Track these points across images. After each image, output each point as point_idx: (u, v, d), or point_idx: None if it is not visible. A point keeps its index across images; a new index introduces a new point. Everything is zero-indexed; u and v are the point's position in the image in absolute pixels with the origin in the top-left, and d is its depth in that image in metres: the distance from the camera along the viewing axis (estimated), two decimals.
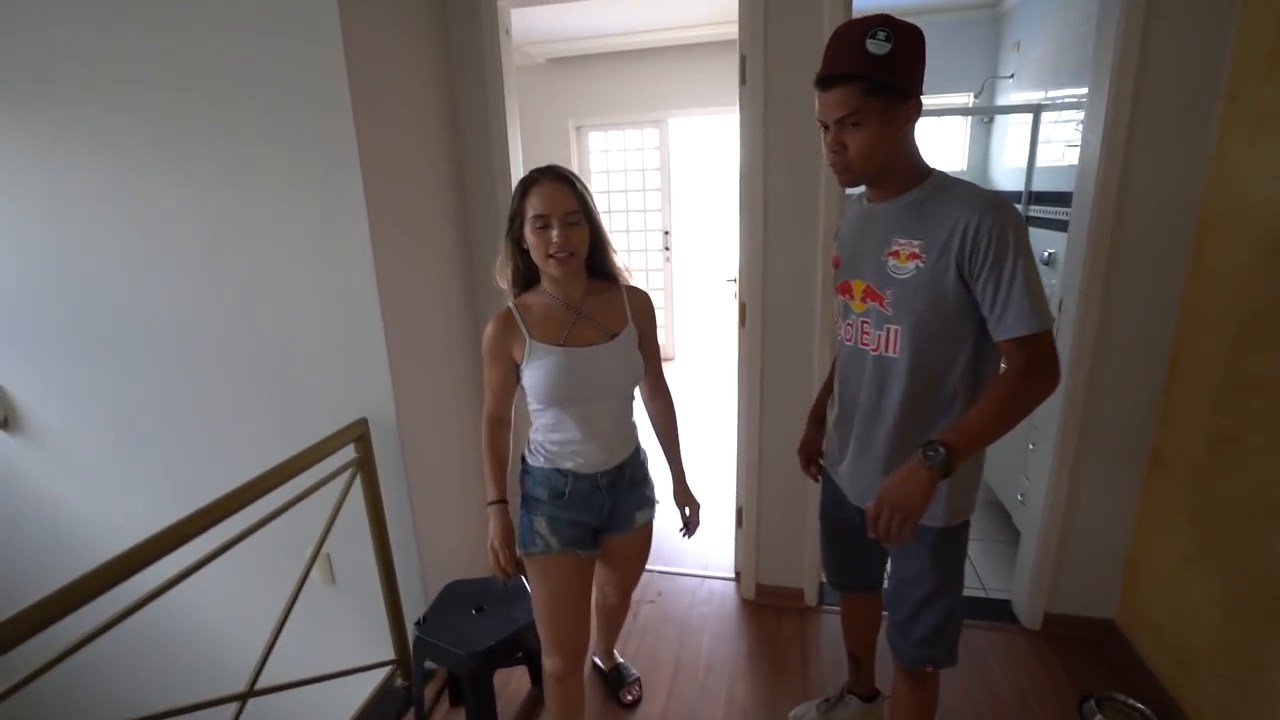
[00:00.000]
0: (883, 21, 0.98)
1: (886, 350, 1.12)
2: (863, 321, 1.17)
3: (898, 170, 1.09)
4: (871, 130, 1.02)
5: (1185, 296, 1.67)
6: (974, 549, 2.45)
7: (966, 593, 1.28)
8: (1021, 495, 2.22)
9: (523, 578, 1.47)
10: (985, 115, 3.44)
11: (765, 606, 2.21)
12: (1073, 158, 2.56)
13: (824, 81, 1.02)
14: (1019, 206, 2.85)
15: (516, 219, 1.24)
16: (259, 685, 1.39)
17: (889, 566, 1.33)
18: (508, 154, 2.03)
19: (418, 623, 1.65)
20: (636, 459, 1.44)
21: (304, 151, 1.59)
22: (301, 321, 1.73)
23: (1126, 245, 1.68)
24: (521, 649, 1.68)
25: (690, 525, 1.52)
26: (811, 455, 1.45)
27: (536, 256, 1.23)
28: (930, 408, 1.12)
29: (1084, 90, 2.47)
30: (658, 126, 4.56)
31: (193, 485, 1.55)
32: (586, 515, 1.36)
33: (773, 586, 2.23)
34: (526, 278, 1.32)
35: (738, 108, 1.84)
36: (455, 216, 2.08)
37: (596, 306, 1.31)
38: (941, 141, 3.70)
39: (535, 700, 1.85)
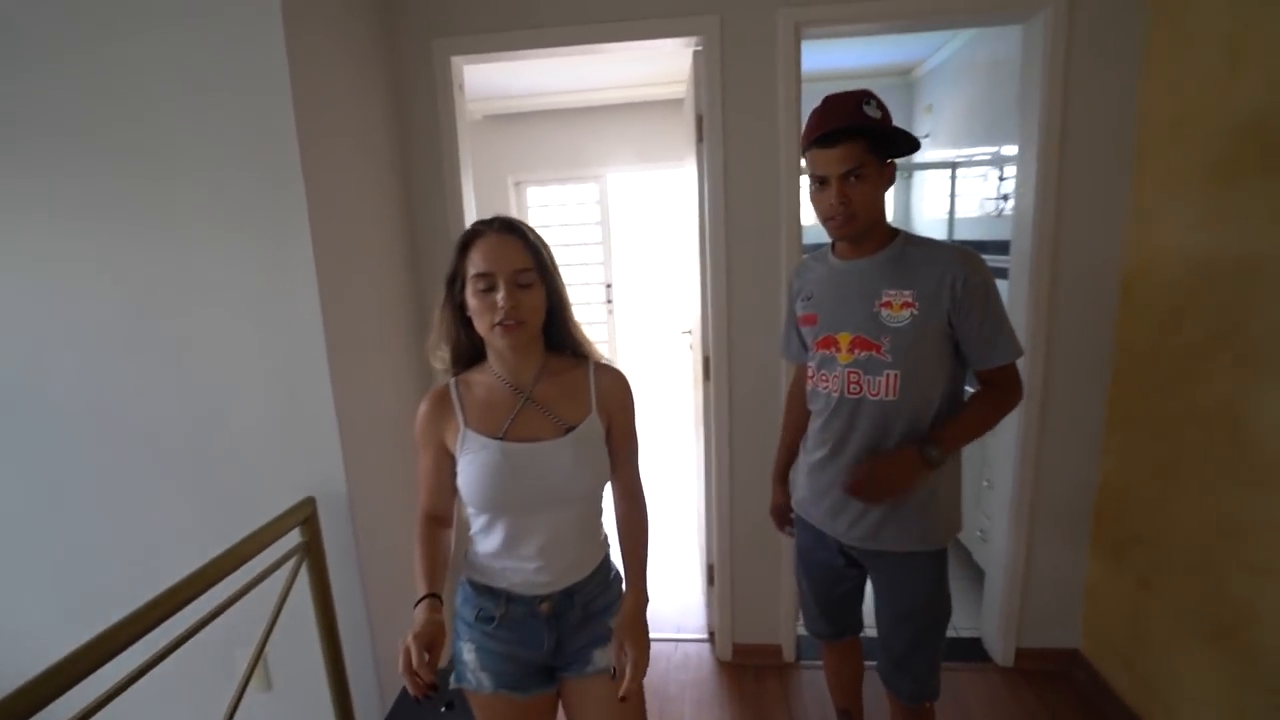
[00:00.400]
0: (869, 93, 1.11)
1: (886, 394, 1.18)
2: (849, 372, 1.21)
3: (877, 227, 1.19)
4: (871, 184, 1.12)
5: (1119, 336, 1.80)
6: None
7: None
8: (981, 531, 2.28)
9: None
10: (905, 171, 3.71)
11: (744, 667, 2.13)
12: (991, 208, 2.78)
13: (830, 137, 1.10)
14: None
15: (457, 280, 1.03)
16: None
17: (875, 607, 1.35)
18: (462, 210, 1.97)
19: None
20: (597, 581, 1.12)
21: (247, 205, 1.47)
22: (239, 391, 1.56)
23: (1064, 291, 1.81)
24: None
25: (622, 672, 1.01)
26: (785, 516, 1.50)
27: (480, 326, 1.01)
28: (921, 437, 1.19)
29: (995, 148, 2.74)
30: (597, 182, 4.64)
31: (103, 591, 1.34)
32: (525, 649, 1.07)
33: (749, 645, 2.15)
34: (471, 354, 1.09)
35: (686, 163, 1.88)
36: (408, 272, 1.98)
37: (552, 390, 1.07)
38: None
39: None
